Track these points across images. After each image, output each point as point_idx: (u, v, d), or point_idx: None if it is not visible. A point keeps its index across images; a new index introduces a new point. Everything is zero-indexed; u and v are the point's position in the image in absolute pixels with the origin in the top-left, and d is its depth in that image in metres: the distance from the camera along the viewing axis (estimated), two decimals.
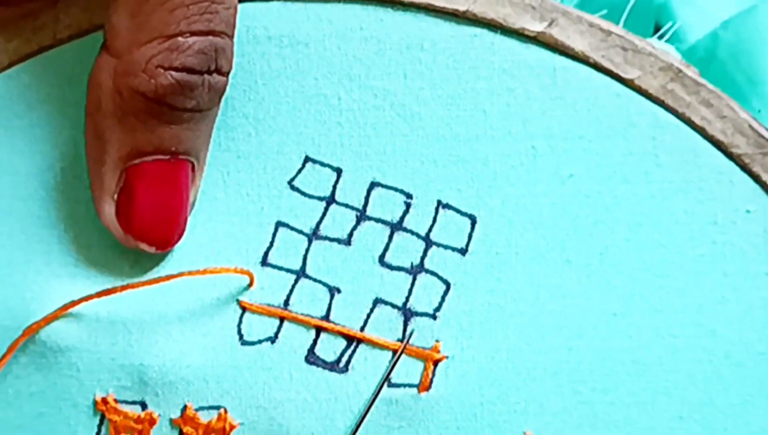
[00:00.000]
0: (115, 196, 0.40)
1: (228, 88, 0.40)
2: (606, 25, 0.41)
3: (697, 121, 0.40)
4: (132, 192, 0.39)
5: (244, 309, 0.41)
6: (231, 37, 0.39)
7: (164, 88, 0.38)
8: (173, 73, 0.38)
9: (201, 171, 0.40)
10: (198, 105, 0.39)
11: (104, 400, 0.40)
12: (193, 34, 0.38)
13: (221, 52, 0.38)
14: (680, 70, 0.40)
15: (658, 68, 0.40)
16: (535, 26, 0.40)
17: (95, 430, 0.41)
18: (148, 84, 0.38)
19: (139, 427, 0.41)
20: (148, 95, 0.38)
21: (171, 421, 0.41)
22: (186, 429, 0.40)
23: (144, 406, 0.41)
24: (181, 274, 0.40)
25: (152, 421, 0.41)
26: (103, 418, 0.40)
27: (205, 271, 0.40)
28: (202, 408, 0.40)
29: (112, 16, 0.39)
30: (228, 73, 0.39)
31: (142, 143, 0.39)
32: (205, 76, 0.38)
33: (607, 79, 0.40)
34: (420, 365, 0.40)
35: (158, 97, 0.38)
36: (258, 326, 0.41)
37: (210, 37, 0.38)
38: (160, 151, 0.39)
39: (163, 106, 0.38)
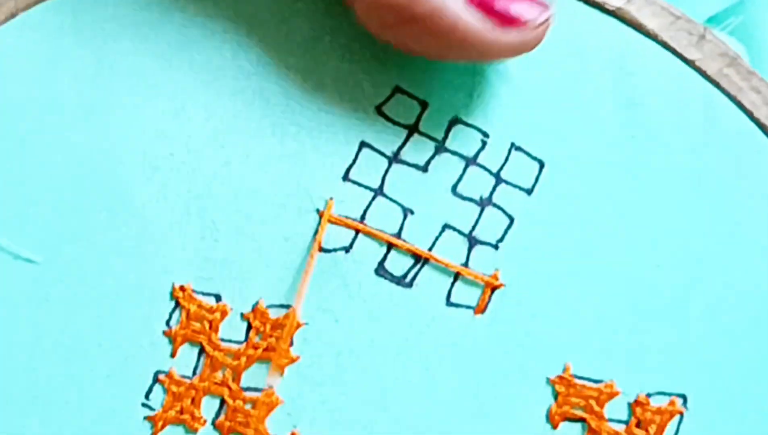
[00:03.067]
0: None
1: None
2: (675, 10, 0.45)
3: (747, 104, 0.45)
4: None
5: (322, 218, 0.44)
6: None
7: None
8: None
9: None
10: None
11: (182, 288, 0.43)
12: None
13: None
14: (736, 59, 0.45)
15: (717, 54, 0.45)
16: (615, 2, 0.45)
17: (167, 317, 0.43)
18: None
19: (211, 317, 0.43)
20: None
21: (242, 314, 0.43)
22: (255, 323, 0.43)
23: (218, 298, 0.43)
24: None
25: (224, 313, 0.43)
26: (177, 304, 0.43)
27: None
28: (272, 305, 0.43)
29: None
30: None
31: None
32: None
33: (672, 57, 0.45)
34: (479, 289, 0.44)
35: None
36: (335, 236, 0.43)
37: None
38: None
39: None
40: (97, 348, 0.42)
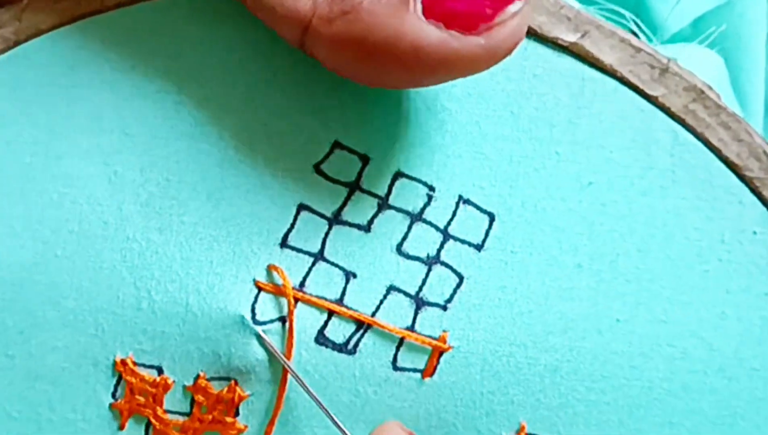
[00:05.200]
0: None
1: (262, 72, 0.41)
2: (636, 42, 0.42)
3: (715, 142, 0.42)
4: None
5: (259, 289, 0.42)
6: None
7: None
8: None
9: None
10: None
11: (123, 362, 0.42)
12: None
13: None
14: (703, 92, 0.41)
15: (682, 88, 0.41)
16: (568, 36, 0.41)
17: (111, 389, 0.42)
18: None
19: (154, 390, 0.42)
20: None
21: (184, 387, 0.42)
22: (197, 397, 0.42)
23: (160, 371, 0.42)
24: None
25: (166, 386, 0.42)
26: (120, 378, 0.42)
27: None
28: (213, 378, 0.42)
29: None
30: None
31: None
32: None
33: (633, 93, 0.42)
34: (426, 353, 0.42)
35: None
36: (272, 306, 0.42)
37: None
38: None
39: None
40: (47, 422, 0.42)
